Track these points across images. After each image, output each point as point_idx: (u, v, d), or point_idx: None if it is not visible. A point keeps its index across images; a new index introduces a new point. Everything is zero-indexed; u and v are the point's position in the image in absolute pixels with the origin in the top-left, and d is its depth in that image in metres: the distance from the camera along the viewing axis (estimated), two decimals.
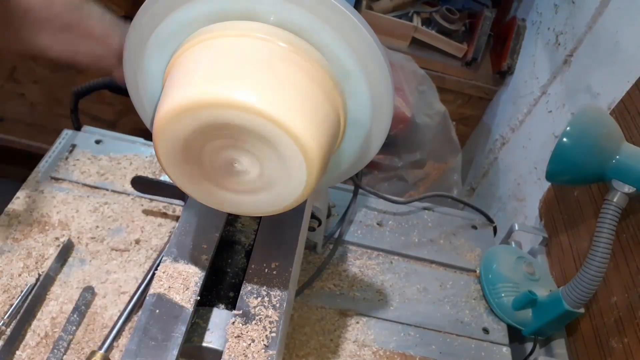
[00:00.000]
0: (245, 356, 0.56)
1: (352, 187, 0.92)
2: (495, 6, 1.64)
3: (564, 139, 0.72)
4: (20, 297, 0.70)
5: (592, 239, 0.72)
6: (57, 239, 0.78)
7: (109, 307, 0.73)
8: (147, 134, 0.58)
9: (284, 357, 0.72)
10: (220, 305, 0.63)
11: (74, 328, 0.69)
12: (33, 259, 0.75)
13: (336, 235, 0.89)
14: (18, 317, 0.68)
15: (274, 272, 0.63)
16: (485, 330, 0.84)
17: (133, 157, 0.93)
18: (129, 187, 0.83)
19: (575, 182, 0.87)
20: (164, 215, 0.85)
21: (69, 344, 0.68)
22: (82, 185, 0.87)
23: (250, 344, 0.57)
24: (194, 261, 0.63)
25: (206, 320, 0.61)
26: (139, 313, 0.60)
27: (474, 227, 1.00)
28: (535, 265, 0.90)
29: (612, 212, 0.71)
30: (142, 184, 0.80)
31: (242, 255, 0.69)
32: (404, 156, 1.39)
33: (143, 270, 0.77)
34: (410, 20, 1.57)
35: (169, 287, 0.60)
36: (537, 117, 1.32)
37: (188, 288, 0.61)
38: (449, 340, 0.81)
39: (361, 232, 0.93)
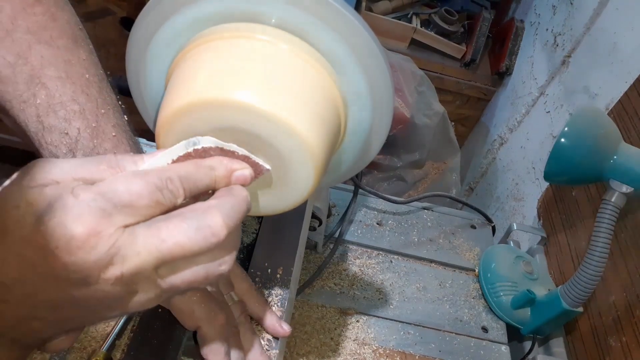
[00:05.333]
0: None
1: (352, 187, 0.93)
2: (493, 7, 1.65)
3: (562, 139, 0.72)
4: None
5: (590, 239, 0.72)
6: None
7: None
8: (149, 135, 0.58)
9: (285, 355, 0.73)
10: None
11: None
12: None
13: (336, 234, 0.90)
14: None
15: (275, 272, 0.64)
16: (484, 329, 0.84)
17: None
18: None
19: (573, 182, 0.88)
20: None
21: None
22: None
23: None
24: None
25: None
26: (142, 312, 0.60)
27: (473, 227, 1.00)
28: (533, 265, 0.91)
29: (610, 211, 0.71)
30: None
31: (244, 254, 0.69)
32: (403, 156, 1.40)
33: None
34: (410, 21, 1.57)
35: None
36: (535, 117, 1.32)
37: None
38: (448, 339, 0.82)
39: (361, 232, 0.93)
